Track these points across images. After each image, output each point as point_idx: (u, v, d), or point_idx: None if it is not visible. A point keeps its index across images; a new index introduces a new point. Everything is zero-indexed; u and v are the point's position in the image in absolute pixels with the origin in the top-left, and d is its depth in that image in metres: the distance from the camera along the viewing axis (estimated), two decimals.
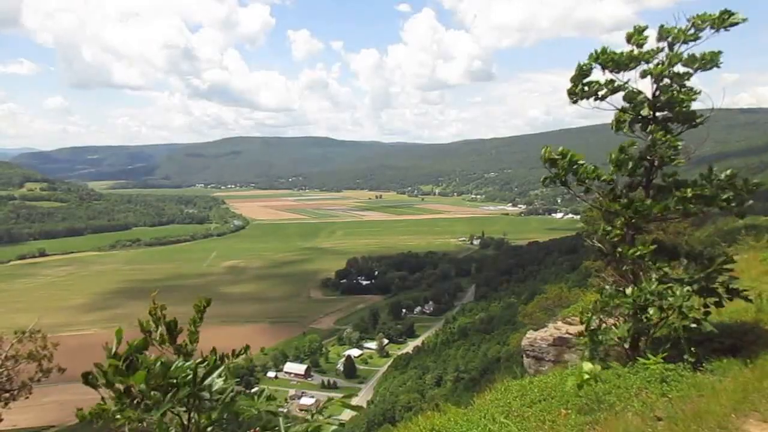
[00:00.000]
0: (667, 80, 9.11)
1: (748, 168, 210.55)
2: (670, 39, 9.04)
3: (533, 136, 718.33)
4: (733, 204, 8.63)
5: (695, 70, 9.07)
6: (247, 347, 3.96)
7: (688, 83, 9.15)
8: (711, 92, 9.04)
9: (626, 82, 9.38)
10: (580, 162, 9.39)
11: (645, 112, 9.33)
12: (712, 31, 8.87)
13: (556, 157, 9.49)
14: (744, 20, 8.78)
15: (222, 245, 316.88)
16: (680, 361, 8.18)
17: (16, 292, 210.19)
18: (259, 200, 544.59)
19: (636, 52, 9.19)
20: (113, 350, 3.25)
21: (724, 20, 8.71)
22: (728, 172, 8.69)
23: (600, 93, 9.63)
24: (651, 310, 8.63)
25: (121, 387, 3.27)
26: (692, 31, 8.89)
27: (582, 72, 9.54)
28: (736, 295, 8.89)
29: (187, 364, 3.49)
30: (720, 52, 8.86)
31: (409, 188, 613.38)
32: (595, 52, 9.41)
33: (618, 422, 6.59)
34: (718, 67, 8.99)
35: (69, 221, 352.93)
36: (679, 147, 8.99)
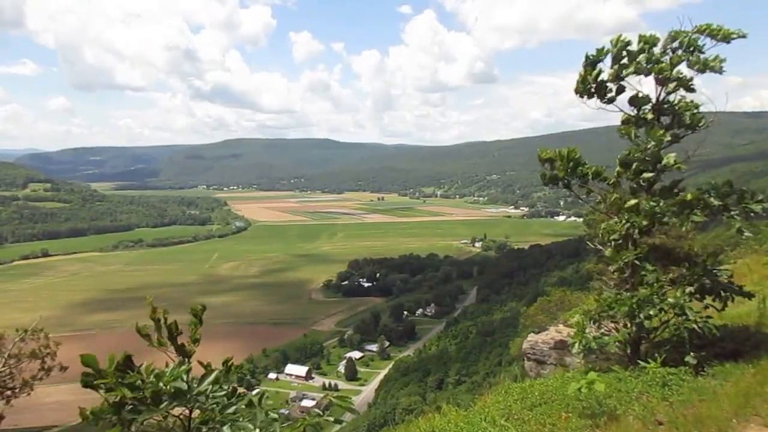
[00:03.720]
0: (671, 84, 9.12)
1: (753, 173, 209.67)
2: (675, 44, 9.09)
3: (535, 139, 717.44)
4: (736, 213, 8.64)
5: (697, 72, 9.09)
6: (235, 365, 3.95)
7: (691, 91, 9.18)
8: (714, 95, 9.07)
9: (629, 72, 9.40)
10: (580, 159, 9.41)
11: (649, 116, 9.35)
12: (714, 42, 8.94)
13: (552, 156, 9.52)
14: (743, 36, 8.85)
15: (224, 246, 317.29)
16: (681, 366, 8.17)
17: (20, 291, 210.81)
18: (260, 202, 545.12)
19: (645, 55, 9.24)
20: (95, 374, 3.31)
21: (726, 35, 8.79)
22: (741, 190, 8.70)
23: (608, 95, 9.64)
24: (651, 311, 8.64)
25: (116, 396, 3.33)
26: (700, 39, 8.96)
27: (590, 61, 9.55)
28: (737, 294, 8.91)
29: (182, 368, 3.51)
30: (724, 59, 8.88)
31: (411, 190, 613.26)
32: (611, 41, 9.46)
33: (619, 426, 6.57)
34: (720, 73, 8.99)
35: (72, 222, 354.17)
36: (665, 140, 9.03)
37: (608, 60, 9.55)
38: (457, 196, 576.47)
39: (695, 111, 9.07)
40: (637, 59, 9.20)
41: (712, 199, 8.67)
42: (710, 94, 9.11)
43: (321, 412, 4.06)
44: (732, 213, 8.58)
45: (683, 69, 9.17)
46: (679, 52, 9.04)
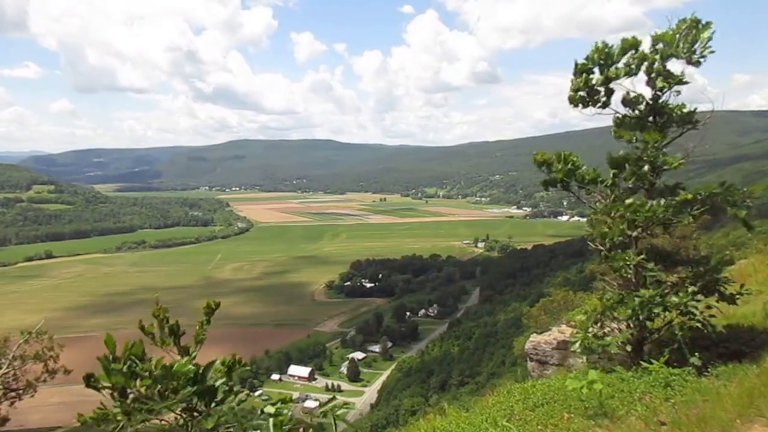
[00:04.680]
0: (661, 79, 9.10)
1: (760, 171, 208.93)
2: (661, 44, 9.07)
3: (538, 139, 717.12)
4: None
5: (689, 63, 9.06)
6: (238, 362, 3.96)
7: (690, 87, 9.16)
8: (720, 93, 9.07)
9: (614, 77, 9.41)
10: (577, 163, 9.40)
11: (644, 116, 9.35)
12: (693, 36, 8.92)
13: (550, 159, 9.52)
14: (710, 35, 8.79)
15: (226, 248, 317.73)
16: (685, 366, 8.14)
17: (24, 293, 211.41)
18: (263, 203, 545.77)
19: (629, 55, 9.24)
20: (110, 358, 3.32)
21: (702, 29, 8.78)
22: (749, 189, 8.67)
23: (601, 99, 9.64)
24: (656, 309, 8.62)
25: (125, 390, 3.34)
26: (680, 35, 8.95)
27: (580, 70, 9.56)
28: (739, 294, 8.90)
29: (190, 366, 3.52)
30: (709, 42, 8.82)
31: (414, 191, 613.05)
32: (592, 50, 9.45)
33: (621, 427, 6.56)
34: (706, 55, 8.93)
35: (76, 223, 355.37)
36: (663, 142, 9.02)
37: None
38: (459, 196, 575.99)
39: (689, 111, 9.04)
40: (620, 62, 9.19)
41: (715, 198, 8.63)
42: (716, 93, 9.10)
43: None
44: (734, 206, 8.56)
45: (677, 66, 9.17)
46: (661, 46, 9.02)
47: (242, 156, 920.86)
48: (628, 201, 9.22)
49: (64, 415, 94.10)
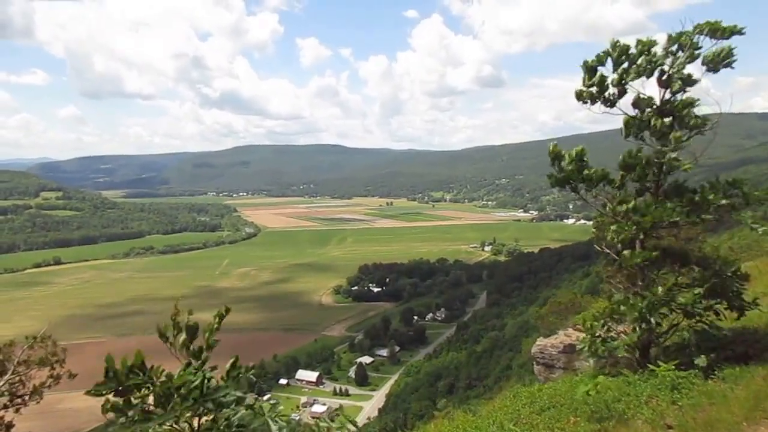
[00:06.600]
0: (678, 83, 9.05)
1: (765, 174, 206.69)
2: (675, 47, 9.04)
3: (544, 142, 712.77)
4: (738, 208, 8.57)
5: (709, 71, 9.03)
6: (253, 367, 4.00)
7: (693, 89, 9.11)
8: (724, 96, 9.01)
9: (630, 78, 9.39)
10: (585, 159, 9.38)
11: (652, 118, 9.30)
12: (713, 41, 8.87)
13: (561, 153, 9.51)
14: (741, 31, 8.76)
15: (234, 253, 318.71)
16: (691, 369, 8.09)
17: (31, 299, 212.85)
18: (270, 208, 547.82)
19: (644, 58, 9.19)
20: (111, 373, 3.32)
21: (724, 31, 8.73)
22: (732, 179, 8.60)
23: (610, 96, 9.61)
24: (663, 310, 8.58)
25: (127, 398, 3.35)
26: (698, 39, 8.90)
27: (590, 68, 9.55)
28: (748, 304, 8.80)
29: (195, 375, 3.53)
30: (734, 48, 8.80)
31: (420, 195, 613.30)
32: (604, 52, 9.44)
33: (628, 430, 6.53)
34: (731, 64, 8.91)
35: (83, 229, 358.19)
36: (683, 140, 8.97)
37: (609, 64, 9.53)
38: (466, 200, 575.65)
39: (695, 109, 9.01)
40: (638, 62, 9.16)
41: (717, 197, 8.57)
42: (719, 95, 9.05)
43: (330, 422, 4.07)
44: (731, 200, 8.50)
45: (693, 69, 9.12)
46: (680, 53, 8.99)
47: (249, 161, 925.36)
48: (633, 202, 9.19)
49: (72, 421, 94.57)
